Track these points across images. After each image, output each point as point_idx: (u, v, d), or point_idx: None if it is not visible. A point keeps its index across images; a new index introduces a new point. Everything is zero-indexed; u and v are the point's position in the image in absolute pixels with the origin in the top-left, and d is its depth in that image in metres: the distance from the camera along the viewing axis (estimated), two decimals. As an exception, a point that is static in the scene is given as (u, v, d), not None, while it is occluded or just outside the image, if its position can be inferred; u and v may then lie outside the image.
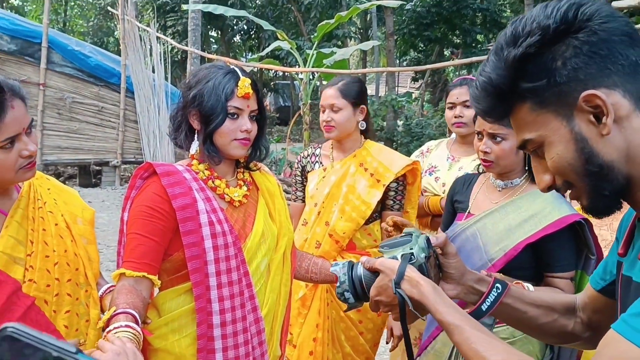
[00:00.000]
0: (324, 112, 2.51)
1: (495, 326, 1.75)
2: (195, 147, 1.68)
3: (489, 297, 1.18)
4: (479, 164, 2.15)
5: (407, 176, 2.52)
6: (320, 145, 2.71)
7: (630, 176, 0.87)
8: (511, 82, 0.91)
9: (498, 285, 1.19)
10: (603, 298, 1.13)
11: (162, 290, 1.60)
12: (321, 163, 2.64)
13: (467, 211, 2.10)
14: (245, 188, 1.74)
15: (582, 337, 1.22)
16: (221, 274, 1.57)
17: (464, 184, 2.21)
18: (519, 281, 1.89)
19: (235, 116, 1.63)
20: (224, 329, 1.57)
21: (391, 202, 2.50)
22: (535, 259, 1.92)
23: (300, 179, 2.68)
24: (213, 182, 1.67)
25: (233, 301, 1.58)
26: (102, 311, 1.65)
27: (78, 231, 1.67)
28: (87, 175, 10.99)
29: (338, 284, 1.19)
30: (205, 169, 1.68)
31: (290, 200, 2.64)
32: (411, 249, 1.12)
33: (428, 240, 1.18)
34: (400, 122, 15.07)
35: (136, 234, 1.54)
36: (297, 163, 2.70)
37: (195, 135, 1.68)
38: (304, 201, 2.65)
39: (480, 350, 0.90)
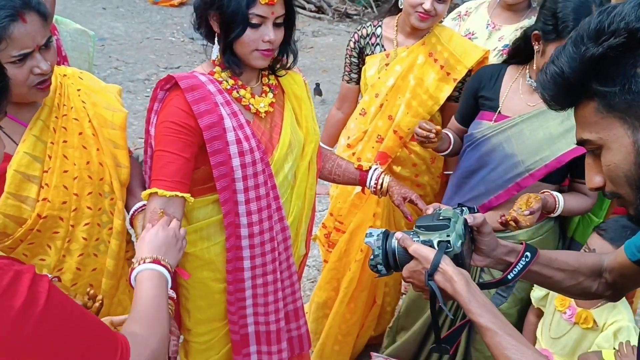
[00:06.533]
0: None
1: None
2: (216, 52, 1.56)
3: (517, 266, 1.20)
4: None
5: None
6: (380, 23, 2.34)
7: None
8: (583, 79, 0.85)
9: (528, 253, 1.20)
10: (636, 268, 1.14)
11: (189, 199, 1.61)
12: (383, 47, 2.31)
13: (498, 111, 1.93)
14: (270, 95, 1.65)
15: (604, 295, 1.26)
16: (249, 190, 1.57)
17: (491, 78, 1.98)
18: (546, 190, 1.85)
19: (258, 25, 1.48)
20: (251, 240, 1.62)
21: (456, 93, 2.25)
22: (567, 166, 1.85)
23: (357, 61, 2.39)
24: (238, 92, 1.59)
25: (260, 214, 1.61)
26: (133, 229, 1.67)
27: (108, 136, 1.62)
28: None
29: (372, 257, 1.16)
30: (229, 77, 1.58)
31: (342, 80, 2.49)
32: (448, 235, 1.09)
33: (465, 224, 1.15)
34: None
35: (164, 151, 1.50)
36: (354, 43, 2.37)
37: (216, 39, 1.55)
38: (357, 83, 2.42)
39: (512, 357, 0.93)
